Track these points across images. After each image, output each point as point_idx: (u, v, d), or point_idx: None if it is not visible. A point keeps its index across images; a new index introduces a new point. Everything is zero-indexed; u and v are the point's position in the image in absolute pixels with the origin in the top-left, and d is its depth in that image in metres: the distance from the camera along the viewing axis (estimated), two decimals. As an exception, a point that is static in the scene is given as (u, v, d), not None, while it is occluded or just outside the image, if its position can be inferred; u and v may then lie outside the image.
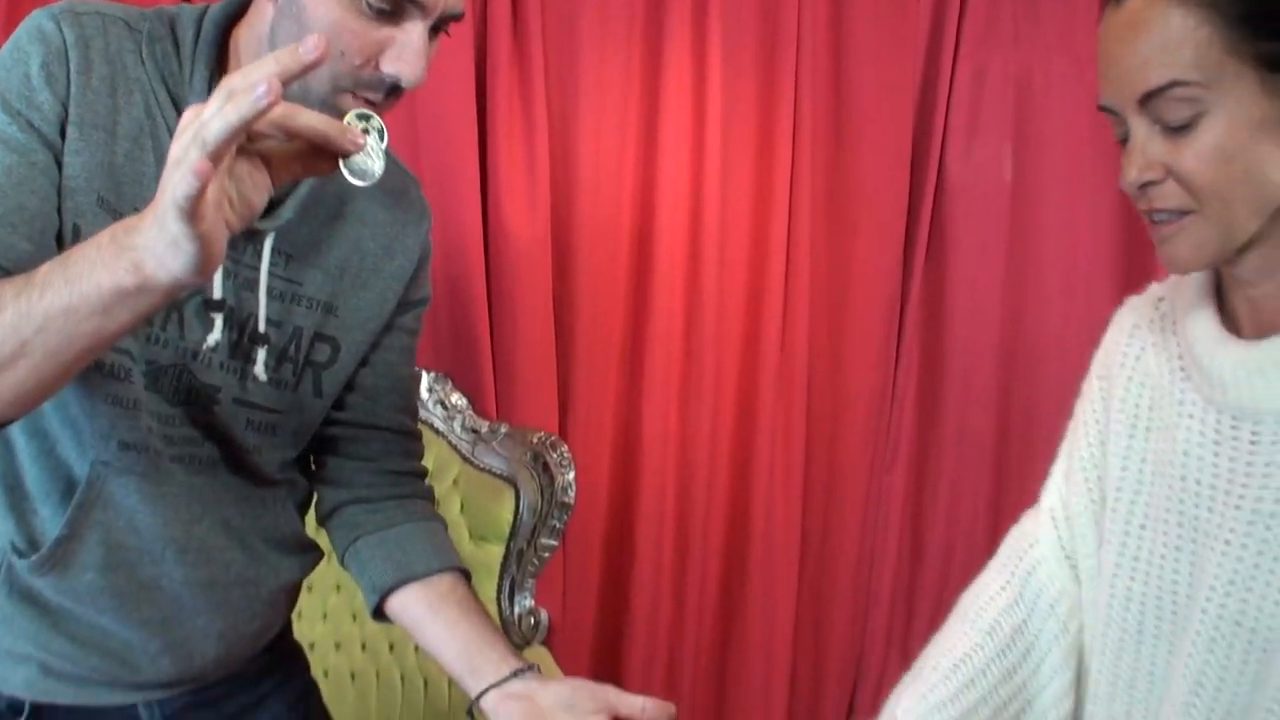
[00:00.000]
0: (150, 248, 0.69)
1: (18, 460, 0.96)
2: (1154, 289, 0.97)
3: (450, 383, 2.04)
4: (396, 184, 1.08)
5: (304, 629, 1.88)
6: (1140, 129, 0.79)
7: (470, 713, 1.01)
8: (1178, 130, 0.77)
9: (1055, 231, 2.35)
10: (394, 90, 0.90)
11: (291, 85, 0.87)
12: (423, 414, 2.01)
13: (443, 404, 2.04)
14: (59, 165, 0.88)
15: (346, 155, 0.77)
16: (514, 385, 2.11)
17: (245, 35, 0.95)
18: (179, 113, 0.92)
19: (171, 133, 0.92)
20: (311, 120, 0.74)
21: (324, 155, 0.77)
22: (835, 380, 2.35)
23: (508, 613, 1.99)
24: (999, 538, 2.37)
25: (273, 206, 0.97)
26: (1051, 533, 1.01)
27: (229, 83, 0.68)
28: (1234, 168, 0.76)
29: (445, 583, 1.10)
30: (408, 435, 1.16)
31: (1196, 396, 0.85)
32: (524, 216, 2.04)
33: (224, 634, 1.07)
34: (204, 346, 0.96)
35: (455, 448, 2.03)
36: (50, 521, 0.96)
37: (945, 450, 2.42)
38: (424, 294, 1.13)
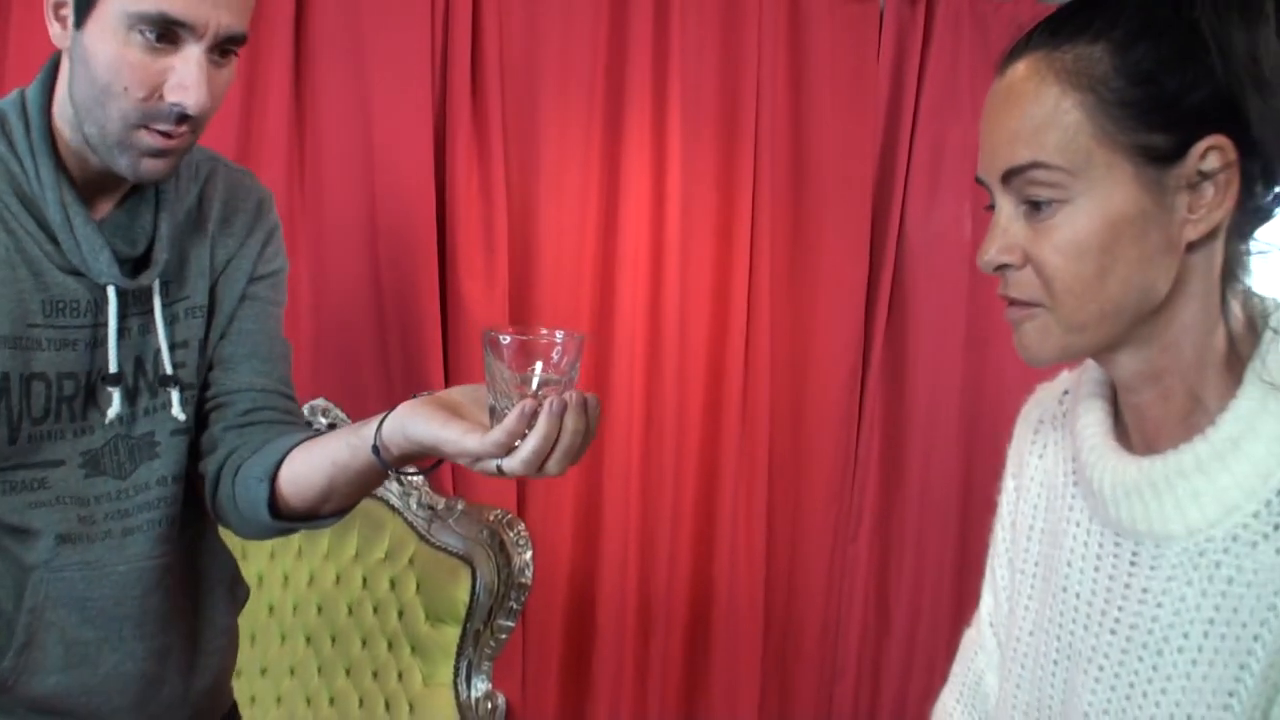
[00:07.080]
0: None
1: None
2: (1062, 378, 0.91)
3: (407, 461, 2.01)
4: (236, 194, 1.09)
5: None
6: (1006, 207, 0.73)
7: (387, 467, 0.91)
8: (1039, 215, 0.71)
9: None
10: (184, 119, 0.89)
11: (88, 126, 0.89)
12: (379, 490, 1.98)
13: (398, 480, 2.00)
14: None
15: None
16: (472, 462, 2.07)
17: (57, 106, 0.94)
18: (34, 217, 0.92)
19: (35, 240, 0.92)
20: None
21: None
22: (797, 452, 2.34)
23: (464, 696, 1.95)
24: (964, 606, 2.38)
25: (145, 259, 0.98)
26: (991, 639, 0.96)
27: None
28: (1087, 264, 0.70)
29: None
30: (275, 393, 1.08)
31: (1084, 504, 0.80)
32: (482, 295, 2.03)
33: (192, 700, 1.09)
34: (106, 420, 0.97)
35: (411, 525, 1.99)
36: (6, 631, 0.97)
37: (909, 517, 2.40)
38: (275, 266, 1.11)
